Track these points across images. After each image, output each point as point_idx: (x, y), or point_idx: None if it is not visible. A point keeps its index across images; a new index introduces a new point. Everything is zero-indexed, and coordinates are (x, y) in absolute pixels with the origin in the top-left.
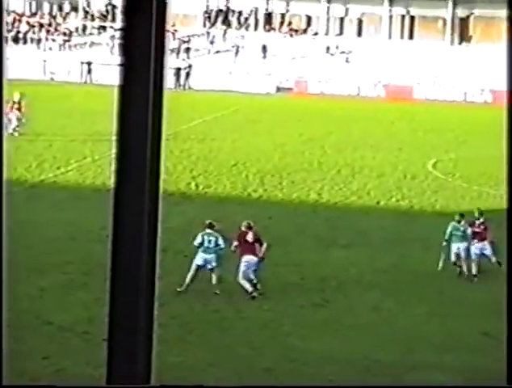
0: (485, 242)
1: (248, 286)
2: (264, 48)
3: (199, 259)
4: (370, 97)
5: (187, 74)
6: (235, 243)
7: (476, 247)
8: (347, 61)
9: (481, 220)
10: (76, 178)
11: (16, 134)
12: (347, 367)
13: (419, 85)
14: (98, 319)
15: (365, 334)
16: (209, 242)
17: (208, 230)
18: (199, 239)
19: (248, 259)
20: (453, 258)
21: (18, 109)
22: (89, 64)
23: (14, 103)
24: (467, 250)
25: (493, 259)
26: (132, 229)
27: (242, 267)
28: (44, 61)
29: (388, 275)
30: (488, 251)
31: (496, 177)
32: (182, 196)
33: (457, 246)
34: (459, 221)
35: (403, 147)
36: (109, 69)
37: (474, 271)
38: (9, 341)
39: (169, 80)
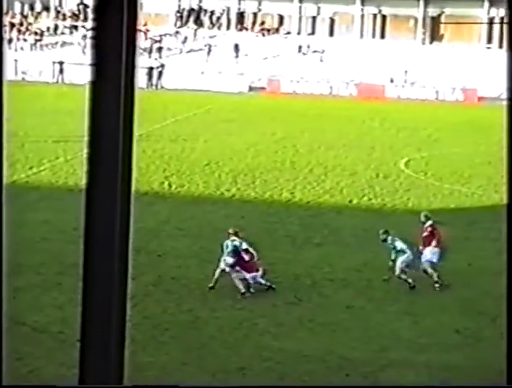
0: (430, 248)
1: (241, 286)
2: (236, 48)
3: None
4: (342, 96)
5: (160, 74)
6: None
7: (424, 255)
8: (320, 60)
9: (429, 223)
10: (48, 178)
11: None
12: (321, 365)
13: (391, 84)
14: (72, 319)
15: (338, 332)
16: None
17: (233, 238)
18: (230, 247)
19: (253, 275)
20: (397, 272)
21: None
22: (60, 63)
23: None
24: (410, 261)
25: (429, 271)
26: (104, 230)
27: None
28: (16, 60)
29: (361, 273)
30: (430, 258)
31: (467, 175)
32: (155, 196)
33: (400, 261)
34: (384, 240)
35: (375, 146)
36: (81, 69)
37: (435, 277)
38: None
39: (141, 79)
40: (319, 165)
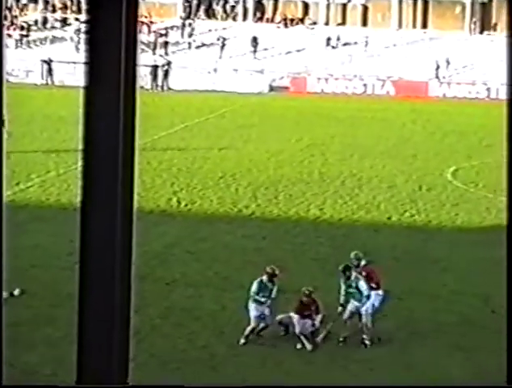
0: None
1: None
2: (254, 41)
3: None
4: (378, 95)
5: (166, 73)
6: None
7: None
8: (351, 55)
9: (363, 264)
10: (38, 195)
11: None
12: None
13: (435, 80)
14: (68, 359)
15: (383, 365)
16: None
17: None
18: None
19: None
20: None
21: None
22: (50, 62)
23: None
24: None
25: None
26: (103, 254)
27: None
28: None
29: (403, 302)
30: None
31: None
32: (161, 215)
33: (354, 306)
34: (348, 278)
35: (417, 153)
36: (74, 68)
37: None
38: None
39: (144, 80)
40: (352, 176)
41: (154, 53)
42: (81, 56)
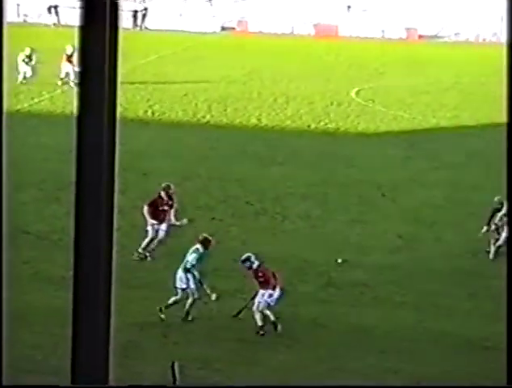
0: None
1: None
2: None
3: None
4: (302, 35)
5: (143, 16)
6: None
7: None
8: (282, 3)
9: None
10: (48, 107)
11: None
12: (282, 266)
13: (343, 24)
14: (70, 229)
15: (298, 238)
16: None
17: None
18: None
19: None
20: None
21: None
22: (56, 7)
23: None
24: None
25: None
26: (94, 155)
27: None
28: (18, 4)
29: (318, 188)
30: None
31: (409, 102)
32: (140, 122)
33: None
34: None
35: (330, 78)
36: (74, 11)
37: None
38: None
39: (127, 22)
40: (282, 95)
41: (135, 1)
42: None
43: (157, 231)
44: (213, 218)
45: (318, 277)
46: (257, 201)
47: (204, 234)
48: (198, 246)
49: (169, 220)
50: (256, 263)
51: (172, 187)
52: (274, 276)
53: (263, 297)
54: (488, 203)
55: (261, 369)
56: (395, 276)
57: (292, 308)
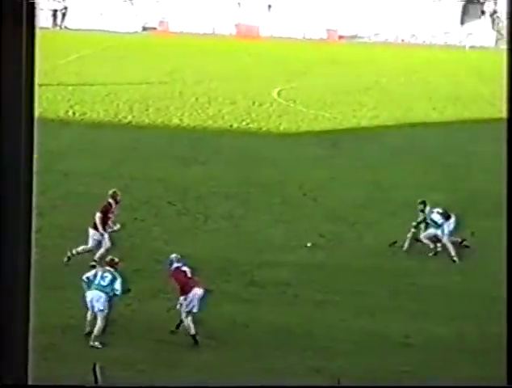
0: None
1: None
2: None
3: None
4: (223, 35)
5: (63, 15)
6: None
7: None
8: (204, 4)
9: (174, 266)
10: None
11: None
12: (205, 266)
13: (264, 24)
14: None
15: (221, 238)
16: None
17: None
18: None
19: None
20: None
21: None
22: None
23: None
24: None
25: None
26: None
27: None
28: None
29: (241, 187)
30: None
31: (330, 102)
32: (60, 123)
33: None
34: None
35: (252, 78)
36: None
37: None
38: None
39: (46, 21)
40: (204, 95)
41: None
42: None
43: (99, 241)
44: (136, 218)
45: (241, 277)
46: (179, 201)
47: (110, 257)
48: (108, 268)
49: (111, 226)
50: (175, 265)
51: (119, 193)
52: (190, 279)
53: (182, 304)
54: (409, 201)
55: (184, 369)
56: (317, 275)
57: (215, 308)
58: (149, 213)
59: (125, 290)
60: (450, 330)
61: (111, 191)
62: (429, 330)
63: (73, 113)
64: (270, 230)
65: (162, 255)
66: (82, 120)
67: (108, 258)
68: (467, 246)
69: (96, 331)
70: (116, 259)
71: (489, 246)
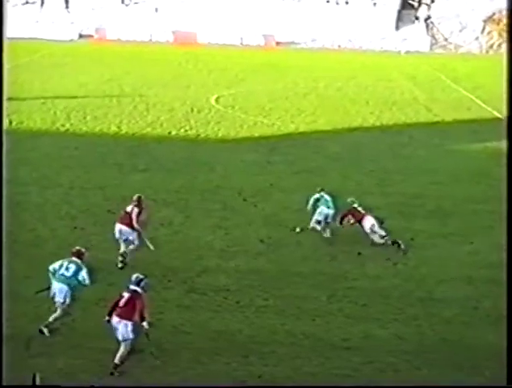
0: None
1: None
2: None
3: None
4: (160, 42)
5: None
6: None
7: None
8: (140, 11)
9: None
10: None
11: None
12: (145, 273)
13: (202, 31)
14: None
15: (160, 245)
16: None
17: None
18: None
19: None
20: None
21: None
22: None
23: None
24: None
25: None
26: None
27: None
28: None
29: (180, 194)
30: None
31: (268, 108)
32: None
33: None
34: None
35: (190, 85)
36: None
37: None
38: None
39: None
40: (142, 102)
41: None
42: None
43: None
44: (75, 227)
45: (181, 284)
46: (118, 209)
47: (77, 247)
48: (73, 258)
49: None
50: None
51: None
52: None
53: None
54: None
55: (126, 378)
56: (257, 281)
57: (156, 315)
58: (88, 222)
59: (93, 280)
60: (389, 331)
61: (135, 196)
62: (369, 333)
63: (10, 122)
64: (211, 237)
65: (101, 264)
66: (19, 128)
67: (75, 248)
68: (403, 249)
69: (51, 318)
70: (83, 250)
71: (423, 247)
